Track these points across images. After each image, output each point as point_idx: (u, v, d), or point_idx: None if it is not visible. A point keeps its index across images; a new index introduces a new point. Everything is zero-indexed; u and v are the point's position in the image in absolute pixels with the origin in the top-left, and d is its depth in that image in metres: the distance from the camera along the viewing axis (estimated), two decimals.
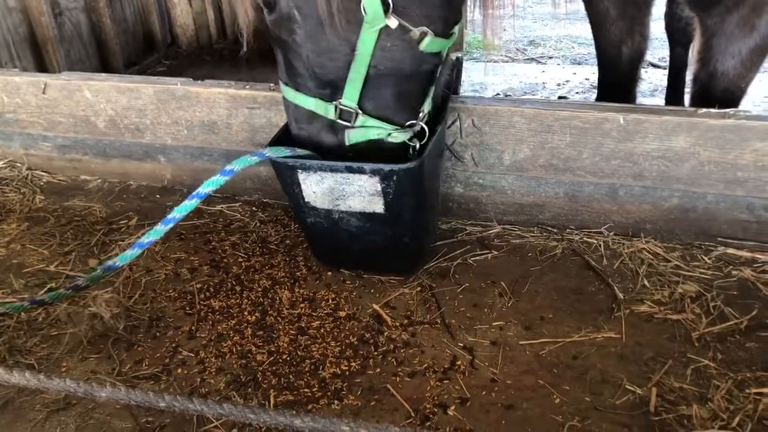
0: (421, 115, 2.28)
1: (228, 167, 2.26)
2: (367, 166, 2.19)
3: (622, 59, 3.22)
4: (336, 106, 2.22)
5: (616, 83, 3.31)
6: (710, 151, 2.38)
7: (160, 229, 2.28)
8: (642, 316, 2.30)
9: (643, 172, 2.50)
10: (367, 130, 2.24)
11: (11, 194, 3.22)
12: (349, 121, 2.23)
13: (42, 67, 4.86)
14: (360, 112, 2.22)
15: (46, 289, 2.61)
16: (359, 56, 2.13)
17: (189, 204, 2.28)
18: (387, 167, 2.17)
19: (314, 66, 2.18)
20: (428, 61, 2.21)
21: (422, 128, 2.29)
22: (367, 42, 2.10)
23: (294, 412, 1.35)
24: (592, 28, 3.23)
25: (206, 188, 2.26)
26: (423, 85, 2.26)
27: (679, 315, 2.28)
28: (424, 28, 2.11)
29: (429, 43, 2.13)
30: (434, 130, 2.31)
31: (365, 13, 2.04)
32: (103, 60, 5.40)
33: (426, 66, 2.22)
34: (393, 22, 2.06)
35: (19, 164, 3.40)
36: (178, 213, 2.27)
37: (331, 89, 2.22)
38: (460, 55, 2.59)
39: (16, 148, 3.36)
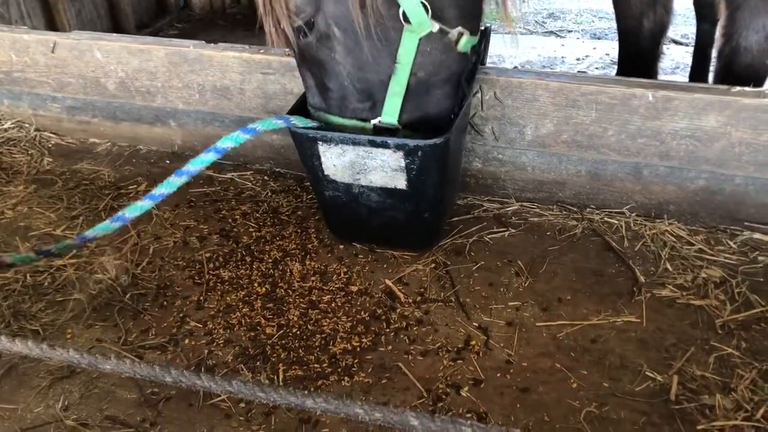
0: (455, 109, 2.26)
1: (251, 125, 2.21)
2: (391, 141, 2.12)
3: (643, 33, 3.11)
4: (375, 126, 2.20)
5: (637, 58, 3.20)
6: (742, 131, 2.28)
7: (174, 180, 2.20)
8: (663, 301, 2.22)
9: (669, 151, 2.41)
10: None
11: (19, 155, 3.15)
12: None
13: (52, 25, 4.78)
14: (400, 128, 2.19)
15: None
16: (401, 66, 2.11)
17: (206, 158, 2.20)
18: (412, 142, 2.10)
19: (354, 83, 2.15)
20: (463, 61, 2.21)
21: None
22: (408, 50, 2.08)
23: (306, 391, 1.29)
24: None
25: (225, 143, 2.20)
26: (458, 85, 2.24)
27: (703, 301, 2.20)
28: (461, 29, 2.11)
29: (465, 43, 2.14)
30: (461, 104, 2.23)
31: (407, 20, 2.03)
32: (114, 21, 5.32)
33: (462, 65, 2.21)
34: (435, 26, 2.06)
35: (27, 125, 3.33)
36: (193, 166, 2.20)
37: (370, 107, 2.18)
38: (488, 24, 2.48)
39: (25, 108, 3.29)
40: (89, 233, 2.22)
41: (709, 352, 2.03)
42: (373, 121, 2.19)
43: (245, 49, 2.81)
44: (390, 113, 2.16)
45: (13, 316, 2.25)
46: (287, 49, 2.76)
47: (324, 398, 1.27)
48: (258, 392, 1.30)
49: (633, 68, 3.18)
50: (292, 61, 2.71)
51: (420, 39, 2.07)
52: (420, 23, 2.04)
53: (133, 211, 2.22)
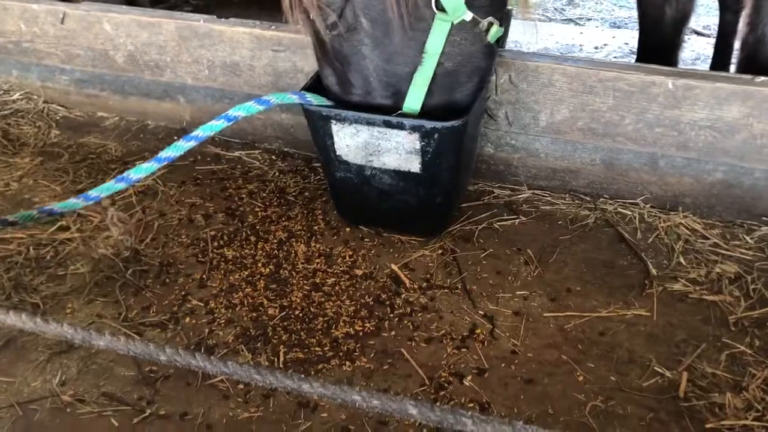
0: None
1: (265, 97, 2.16)
2: (407, 122, 2.06)
3: (665, 21, 3.02)
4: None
5: (657, 47, 3.11)
6: (765, 123, 2.21)
7: (181, 144, 2.16)
8: (675, 295, 2.17)
9: (688, 142, 2.34)
10: None
11: (26, 127, 3.12)
12: None
13: None
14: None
15: (57, 226, 2.52)
16: (428, 56, 2.04)
17: (216, 124, 2.17)
18: (429, 124, 2.04)
19: (381, 76, 2.08)
20: (490, 52, 2.15)
21: None
22: (438, 40, 2.02)
23: (302, 375, 1.25)
24: None
25: (237, 111, 2.16)
26: (482, 75, 2.18)
27: (716, 296, 2.14)
28: (491, 18, 2.05)
29: (495, 33, 2.07)
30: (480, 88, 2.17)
31: (440, 8, 1.96)
32: None
33: (489, 57, 2.16)
34: (468, 15, 1.99)
35: (35, 97, 3.29)
36: (202, 131, 2.16)
37: (394, 99, 2.12)
38: (510, 7, 2.41)
39: (33, 80, 3.25)
40: (93, 192, 2.17)
41: (720, 350, 1.98)
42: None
43: (256, 24, 2.76)
44: (411, 104, 2.10)
45: (14, 288, 2.23)
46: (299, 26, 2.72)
47: (321, 383, 1.23)
48: (254, 374, 1.26)
49: (653, 57, 3.09)
50: (304, 38, 2.64)
51: (451, 28, 2.00)
52: (455, 9, 1.95)
53: (138, 172, 2.18)
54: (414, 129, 2.06)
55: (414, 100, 2.09)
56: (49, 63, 3.15)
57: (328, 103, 2.19)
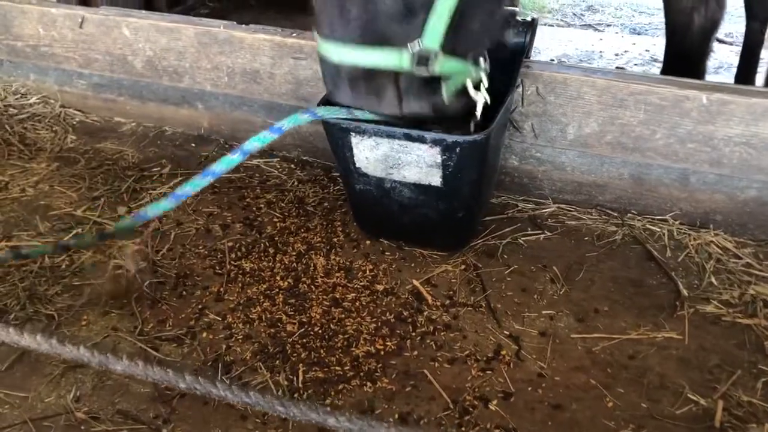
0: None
1: (278, 125, 2.07)
2: (428, 135, 2.00)
3: (693, 28, 2.96)
4: (414, 53, 1.83)
5: (685, 55, 3.05)
6: None
7: (199, 182, 2.10)
8: (708, 317, 2.09)
9: (721, 158, 2.27)
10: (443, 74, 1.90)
11: (43, 132, 3.09)
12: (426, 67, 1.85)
13: (85, 2, 4.70)
14: (440, 53, 1.84)
15: (72, 234, 2.48)
16: None
17: (232, 159, 2.08)
18: (450, 138, 1.98)
19: None
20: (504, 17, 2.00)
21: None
22: None
23: (328, 409, 1.19)
24: None
25: (252, 144, 2.07)
26: (506, 21, 2.00)
27: (750, 320, 2.07)
28: None
29: None
30: (503, 98, 2.10)
31: None
32: None
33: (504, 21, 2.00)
34: None
35: (53, 101, 3.26)
36: (218, 167, 2.09)
37: (408, 29, 1.83)
38: (536, 15, 2.35)
39: (51, 84, 3.22)
40: (110, 231, 2.15)
41: (756, 377, 1.90)
42: (411, 47, 1.84)
43: (277, 31, 2.71)
44: (432, 36, 1.82)
45: (29, 299, 2.18)
46: None
47: (348, 417, 1.17)
48: (277, 406, 1.21)
49: (680, 65, 3.03)
50: None
51: None
52: None
53: (155, 209, 2.12)
54: (435, 142, 2.00)
55: (434, 32, 1.82)
56: (67, 67, 3.12)
57: (341, 112, 2.09)
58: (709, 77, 4.46)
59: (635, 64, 4.95)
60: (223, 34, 2.75)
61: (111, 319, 2.14)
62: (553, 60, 4.79)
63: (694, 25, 2.94)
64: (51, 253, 2.30)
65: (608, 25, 5.98)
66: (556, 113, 2.40)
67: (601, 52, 5.17)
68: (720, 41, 5.29)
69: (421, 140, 2.02)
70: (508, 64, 2.28)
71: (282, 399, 1.21)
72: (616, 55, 5.11)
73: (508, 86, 2.17)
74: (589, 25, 6.01)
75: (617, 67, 4.81)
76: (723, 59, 4.93)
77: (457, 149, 2.01)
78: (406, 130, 2.02)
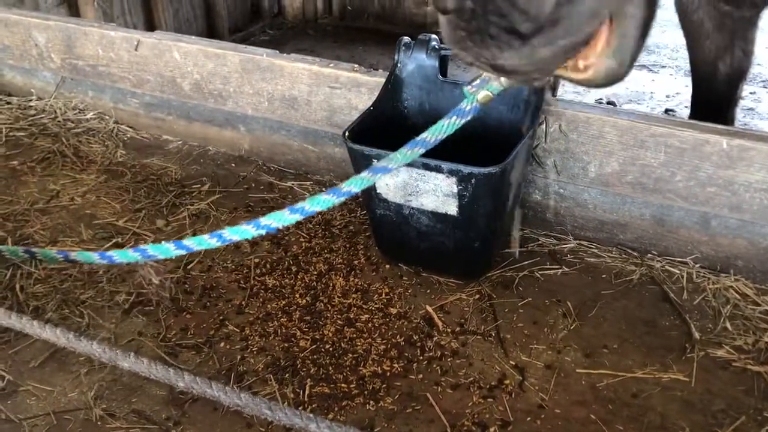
0: None
1: (344, 189, 1.98)
2: (445, 165, 2.09)
3: (717, 78, 2.89)
4: None
5: (710, 103, 2.99)
6: None
7: (248, 230, 1.96)
8: (718, 362, 2.08)
9: (742, 204, 2.26)
10: None
11: (95, 146, 3.29)
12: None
13: (151, 24, 4.97)
14: None
15: (112, 242, 2.64)
16: None
17: (290, 218, 1.95)
18: (466, 169, 2.06)
19: None
20: None
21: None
22: None
23: (323, 423, 1.26)
24: (687, 40, 2.93)
25: (314, 207, 1.97)
26: None
27: (762, 367, 2.05)
28: None
29: None
30: (522, 134, 2.18)
31: None
32: (210, 23, 5.48)
33: None
34: None
35: (107, 117, 3.47)
36: (274, 220, 1.95)
37: None
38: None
39: (107, 101, 3.43)
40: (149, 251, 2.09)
41: (761, 424, 1.88)
42: None
43: (315, 61, 2.84)
44: None
45: (63, 301, 2.34)
46: (355, 66, 2.79)
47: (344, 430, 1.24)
48: (264, 409, 1.28)
49: (705, 113, 2.97)
50: (360, 76, 2.72)
51: None
52: None
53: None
54: (451, 173, 2.08)
55: None
56: (122, 86, 3.32)
57: (379, 152, 2.14)
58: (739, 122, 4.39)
59: (685, 107, 4.89)
60: (265, 62, 2.90)
61: (137, 324, 2.27)
62: (601, 99, 4.80)
63: (718, 75, 2.89)
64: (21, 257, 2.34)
65: (663, 67, 5.94)
66: (578, 151, 2.44)
67: (652, 92, 5.15)
68: None
69: (438, 170, 2.10)
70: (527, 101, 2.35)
71: (302, 414, 1.28)
72: (667, 96, 5.08)
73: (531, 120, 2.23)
74: (644, 66, 5.99)
75: (666, 110, 4.78)
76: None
77: (473, 180, 2.07)
78: (424, 160, 2.10)
